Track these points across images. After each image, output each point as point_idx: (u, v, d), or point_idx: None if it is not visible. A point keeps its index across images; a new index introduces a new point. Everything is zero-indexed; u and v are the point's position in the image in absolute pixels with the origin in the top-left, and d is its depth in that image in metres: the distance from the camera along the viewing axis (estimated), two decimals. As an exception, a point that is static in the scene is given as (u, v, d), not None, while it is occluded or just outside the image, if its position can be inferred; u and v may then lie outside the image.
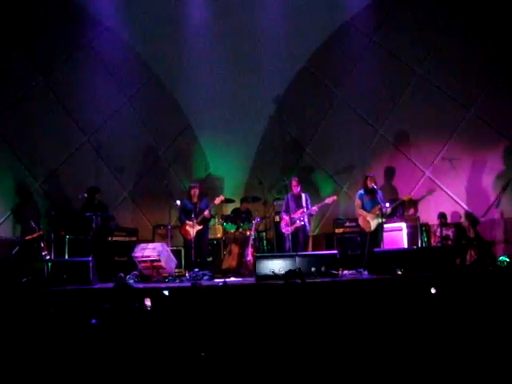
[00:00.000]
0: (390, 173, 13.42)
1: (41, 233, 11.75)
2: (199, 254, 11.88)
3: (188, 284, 10.18)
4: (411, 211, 12.91)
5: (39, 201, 13.15)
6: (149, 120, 14.83)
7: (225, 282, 9.31)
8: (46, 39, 13.29)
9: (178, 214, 12.36)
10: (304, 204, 11.89)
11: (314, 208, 11.83)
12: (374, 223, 11.48)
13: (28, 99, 13.17)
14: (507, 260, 10.70)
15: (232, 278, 11.56)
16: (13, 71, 12.95)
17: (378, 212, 11.37)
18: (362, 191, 11.81)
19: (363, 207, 11.70)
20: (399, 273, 9.03)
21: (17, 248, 11.49)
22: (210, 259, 13.03)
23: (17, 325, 5.63)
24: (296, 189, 12.04)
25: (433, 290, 6.98)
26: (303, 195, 12.02)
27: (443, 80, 13.02)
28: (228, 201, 14.17)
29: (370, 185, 11.65)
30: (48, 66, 13.43)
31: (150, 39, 14.39)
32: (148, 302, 6.74)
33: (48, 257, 11.45)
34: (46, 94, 13.45)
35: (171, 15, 14.09)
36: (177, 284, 10.66)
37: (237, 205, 14.15)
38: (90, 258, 10.60)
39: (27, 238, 11.71)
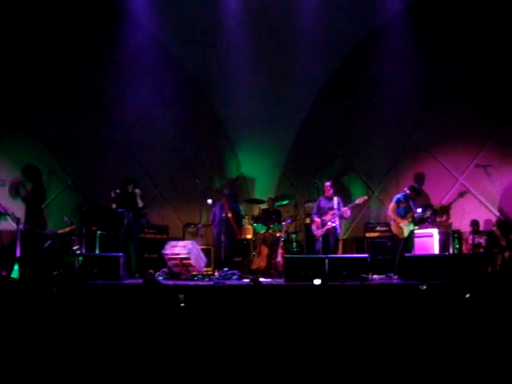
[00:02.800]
0: (422, 178, 13.31)
1: (73, 227, 11.85)
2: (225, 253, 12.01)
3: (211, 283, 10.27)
4: (443, 217, 12.79)
5: (72, 195, 13.28)
6: (184, 121, 14.90)
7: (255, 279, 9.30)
8: (85, 37, 13.41)
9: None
10: (336, 207, 11.87)
11: (345, 209, 11.79)
12: (406, 230, 11.40)
13: (64, 95, 13.31)
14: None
15: (261, 279, 11.55)
16: (50, 67, 13.07)
17: (410, 219, 11.29)
18: (401, 196, 11.70)
19: (397, 212, 11.60)
20: (424, 287, 8.89)
21: (49, 242, 11.63)
22: (240, 259, 13.09)
23: (48, 317, 5.68)
24: (329, 191, 12.03)
25: (467, 296, 6.93)
26: (335, 198, 12.00)
27: (478, 86, 12.90)
28: (258, 201, 14.22)
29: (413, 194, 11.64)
30: (85, 64, 13.56)
31: (189, 42, 14.50)
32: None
33: (79, 251, 11.56)
34: (81, 91, 13.59)
35: (209, 21, 14.12)
36: (201, 282, 10.69)
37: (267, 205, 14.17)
38: (121, 254, 10.69)
39: (59, 231, 11.82)
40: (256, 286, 7.46)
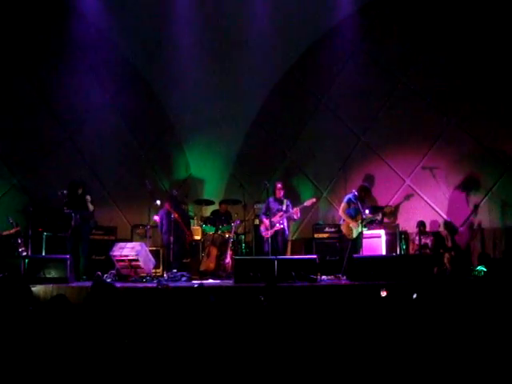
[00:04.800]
0: (370, 180, 13.42)
1: (18, 229, 11.66)
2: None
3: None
4: (391, 219, 12.96)
5: (17, 196, 13.04)
6: (131, 119, 14.79)
7: (201, 284, 9.27)
8: (30, 34, 13.21)
9: None
10: (284, 208, 11.92)
11: (294, 210, 11.84)
12: (355, 231, 11.51)
13: (9, 94, 13.11)
14: (484, 269, 10.79)
15: (210, 280, 11.53)
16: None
17: (360, 220, 11.39)
18: (351, 196, 11.76)
19: (348, 212, 11.69)
20: (384, 294, 8.95)
21: (-8, 243, 11.41)
22: (188, 260, 13.04)
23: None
24: (280, 192, 12.08)
25: (414, 296, 7.01)
26: (285, 200, 12.06)
27: (426, 89, 13.10)
28: (207, 202, 14.19)
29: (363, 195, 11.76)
30: (30, 63, 13.34)
31: (137, 40, 14.35)
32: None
33: (25, 253, 11.36)
34: (27, 90, 13.38)
35: (158, 17, 13.99)
36: (143, 284, 10.60)
37: (216, 207, 14.14)
38: (68, 256, 10.53)
39: (4, 233, 11.61)
40: (200, 290, 7.42)
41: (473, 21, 12.59)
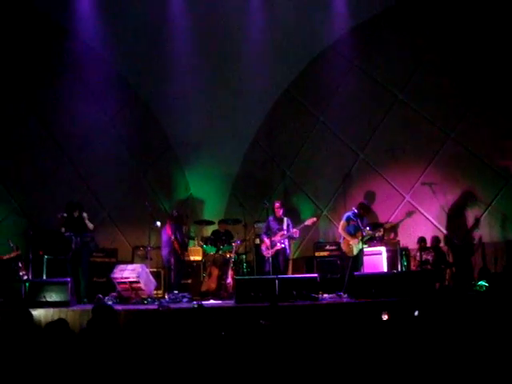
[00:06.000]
0: (370, 197, 13.43)
1: (18, 252, 11.64)
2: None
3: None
4: (391, 235, 12.92)
5: (17, 220, 13.03)
6: (130, 140, 14.81)
7: (200, 304, 9.23)
8: (27, 57, 13.28)
9: None
10: (285, 227, 11.94)
11: (295, 230, 11.87)
12: (356, 248, 11.49)
13: (7, 118, 13.15)
14: (486, 284, 10.77)
15: (211, 301, 11.51)
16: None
17: (360, 237, 11.38)
18: (350, 214, 11.76)
19: (347, 230, 11.68)
20: (385, 317, 8.86)
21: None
22: (190, 281, 13.02)
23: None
24: (279, 211, 12.09)
25: (416, 313, 6.99)
26: (285, 219, 12.08)
27: (424, 105, 13.14)
28: (207, 223, 14.18)
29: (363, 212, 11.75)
30: (28, 86, 13.40)
31: (134, 60, 14.41)
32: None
33: (26, 277, 11.34)
34: (26, 113, 13.42)
35: (155, 36, 14.04)
36: (144, 307, 10.57)
37: (216, 227, 14.13)
38: (69, 279, 10.51)
39: (4, 257, 11.59)
40: (199, 310, 7.40)
41: (468, 36, 12.65)
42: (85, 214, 11.66)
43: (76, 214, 11.55)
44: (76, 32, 13.81)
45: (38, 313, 9.20)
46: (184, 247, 12.60)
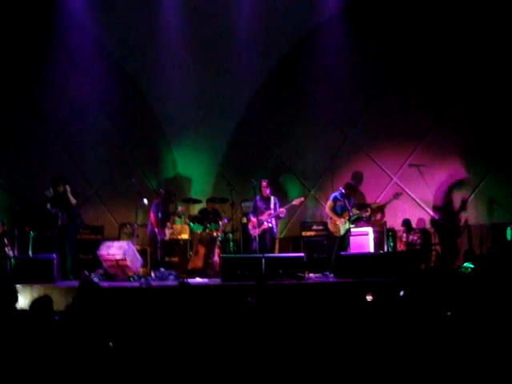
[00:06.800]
0: (357, 177, 13.44)
1: (4, 228, 11.58)
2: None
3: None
4: (378, 216, 12.96)
5: (3, 196, 12.97)
6: (118, 118, 14.72)
7: (184, 281, 9.22)
8: (18, 33, 13.18)
9: None
10: (272, 206, 11.94)
11: (281, 210, 11.88)
12: (343, 228, 11.53)
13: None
14: (471, 266, 10.83)
15: (197, 279, 11.52)
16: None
17: (347, 217, 11.41)
18: (337, 194, 11.79)
19: (334, 210, 11.72)
20: (370, 298, 8.87)
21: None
22: (176, 259, 13.02)
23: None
24: (266, 191, 12.08)
25: (401, 293, 7.01)
26: (272, 198, 12.06)
27: (412, 86, 13.16)
28: (195, 201, 14.15)
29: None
30: (15, 59, 13.28)
31: (124, 39, 14.29)
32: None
33: (11, 253, 11.30)
34: (13, 89, 13.32)
35: (145, 17, 13.98)
36: (130, 284, 10.59)
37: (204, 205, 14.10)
38: (54, 255, 10.50)
39: (-10, 233, 11.54)
40: (183, 288, 7.37)
41: (459, 20, 12.67)
42: (68, 187, 11.60)
43: (61, 190, 11.52)
44: (70, 11, 13.72)
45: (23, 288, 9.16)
46: (162, 224, 12.52)
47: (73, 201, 11.62)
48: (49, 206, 11.47)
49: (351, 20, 13.82)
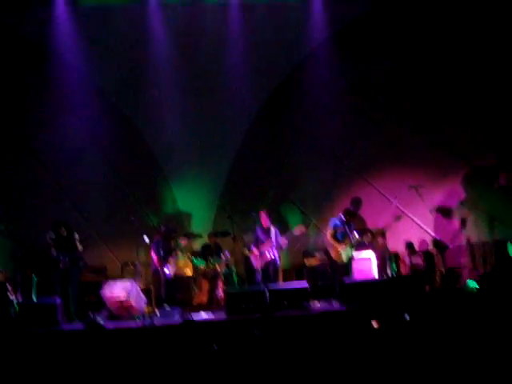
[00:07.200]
0: (357, 203, 13.42)
1: (6, 275, 11.56)
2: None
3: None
4: (380, 240, 12.93)
5: (4, 242, 12.96)
6: (116, 158, 14.74)
7: (189, 318, 9.18)
8: (14, 80, 13.29)
9: None
10: (273, 237, 11.93)
11: (283, 241, 11.87)
12: (345, 255, 11.53)
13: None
14: (476, 286, 10.79)
15: (202, 314, 11.45)
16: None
17: (348, 243, 11.41)
18: (338, 222, 11.80)
19: (335, 237, 11.72)
20: (376, 325, 8.80)
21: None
22: (181, 296, 12.96)
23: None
24: (265, 222, 12.08)
25: (407, 317, 7.00)
26: (272, 229, 12.07)
27: (406, 109, 13.24)
28: (196, 236, 14.14)
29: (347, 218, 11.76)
30: (15, 106, 13.38)
31: (118, 79, 14.37)
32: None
33: (15, 299, 11.26)
34: (10, 134, 13.38)
35: (138, 55, 14.13)
36: (136, 324, 10.50)
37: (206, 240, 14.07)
38: (58, 299, 10.47)
39: (-7, 280, 11.51)
40: (186, 325, 7.37)
41: (448, 42, 12.80)
42: (76, 235, 11.67)
43: (63, 233, 11.55)
44: (63, 56, 13.87)
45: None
46: (165, 262, 12.49)
47: (79, 247, 11.67)
48: (53, 250, 11.47)
49: (339, 47, 13.94)
